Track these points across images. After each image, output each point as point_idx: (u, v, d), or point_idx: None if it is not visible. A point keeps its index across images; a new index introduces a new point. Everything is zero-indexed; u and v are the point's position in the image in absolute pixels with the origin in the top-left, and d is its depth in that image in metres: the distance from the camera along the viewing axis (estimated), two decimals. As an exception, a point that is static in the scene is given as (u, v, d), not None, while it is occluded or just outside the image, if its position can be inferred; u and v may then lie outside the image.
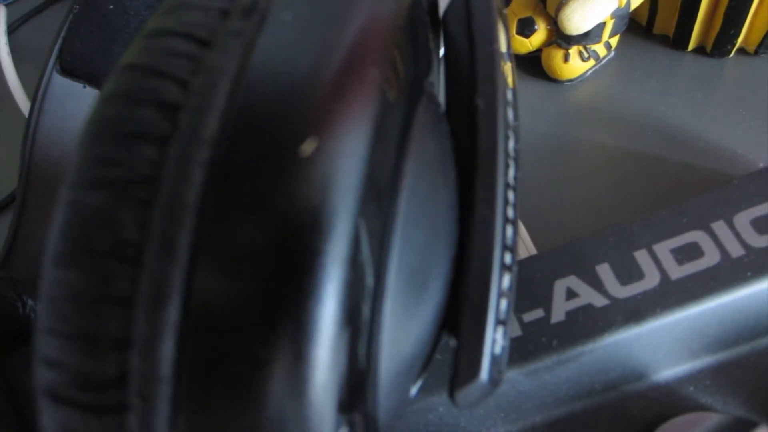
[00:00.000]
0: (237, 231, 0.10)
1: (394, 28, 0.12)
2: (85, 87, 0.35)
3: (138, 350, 0.10)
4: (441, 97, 0.18)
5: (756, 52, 0.31)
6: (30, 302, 0.28)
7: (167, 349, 0.10)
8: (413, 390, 0.17)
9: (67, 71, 0.35)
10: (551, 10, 0.32)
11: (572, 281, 0.22)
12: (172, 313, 0.10)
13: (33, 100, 0.35)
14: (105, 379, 0.11)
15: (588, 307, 0.21)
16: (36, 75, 0.35)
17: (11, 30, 0.49)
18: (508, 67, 0.17)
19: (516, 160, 0.16)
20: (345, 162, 0.10)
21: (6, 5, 0.51)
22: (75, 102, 0.36)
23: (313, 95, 0.11)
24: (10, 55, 0.46)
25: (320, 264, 0.10)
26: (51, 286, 0.11)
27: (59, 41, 0.34)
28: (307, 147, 0.10)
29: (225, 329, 0.10)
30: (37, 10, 0.51)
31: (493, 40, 0.16)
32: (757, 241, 0.21)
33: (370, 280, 0.13)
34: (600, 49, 0.32)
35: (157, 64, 0.12)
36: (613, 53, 0.33)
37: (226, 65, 0.11)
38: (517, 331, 0.21)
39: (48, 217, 0.36)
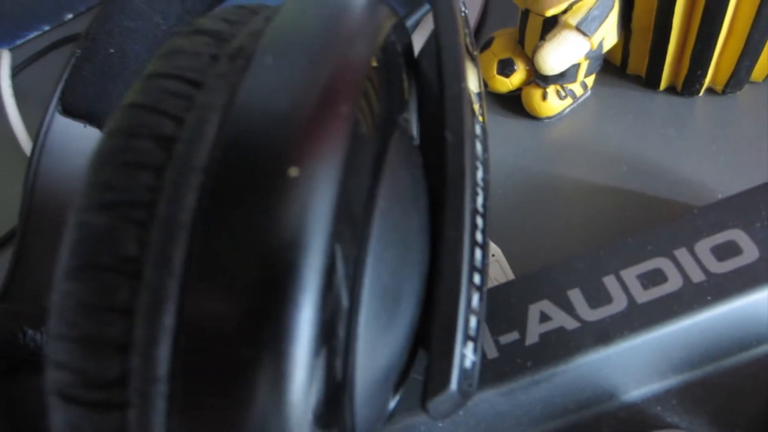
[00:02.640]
0: (225, 246, 0.12)
1: (365, 69, 0.13)
2: (85, 126, 0.37)
3: (137, 352, 0.12)
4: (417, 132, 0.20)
5: (723, 92, 0.33)
6: (30, 332, 0.29)
7: (163, 352, 0.12)
8: (391, 404, 0.18)
9: (69, 112, 0.36)
10: (529, 52, 0.33)
11: (545, 305, 0.23)
12: (168, 319, 0.12)
13: (35, 139, 0.36)
14: (107, 378, 0.12)
15: (560, 330, 0.22)
16: (38, 116, 0.36)
17: (15, 73, 0.51)
18: (476, 103, 0.18)
19: (485, 189, 0.17)
20: (320, 186, 0.12)
21: (9, 49, 0.53)
22: (75, 141, 0.37)
23: (291, 128, 0.12)
24: (14, 97, 0.48)
25: (298, 274, 0.11)
26: (60, 297, 0.12)
27: (62, 83, 0.36)
28: (287, 173, 0.12)
29: (214, 333, 0.11)
30: (39, 55, 0.52)
31: (461, 78, 0.17)
32: (717, 267, 0.22)
33: (345, 301, 0.14)
34: (576, 88, 0.34)
35: (154, 102, 0.13)
36: (589, 92, 0.35)
37: (215, 102, 0.13)
38: (493, 353, 0.22)
39: (48, 252, 0.37)
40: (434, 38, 0.18)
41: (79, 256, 0.12)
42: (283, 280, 0.11)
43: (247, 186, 0.12)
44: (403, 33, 0.18)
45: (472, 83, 0.18)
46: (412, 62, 0.19)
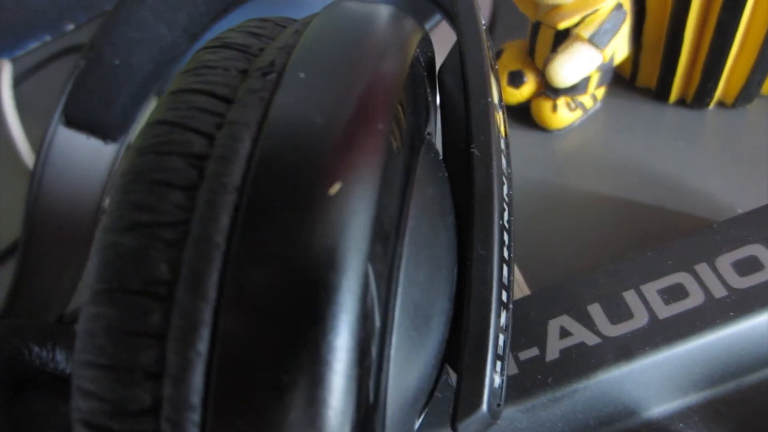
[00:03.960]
0: (259, 268, 0.11)
1: (397, 86, 0.13)
2: (88, 138, 0.36)
3: (169, 380, 0.11)
4: (438, 145, 0.20)
5: (734, 105, 0.33)
6: (35, 349, 0.29)
7: (196, 379, 0.11)
8: (417, 423, 0.18)
9: (72, 123, 0.36)
10: (539, 64, 0.33)
11: (565, 320, 0.23)
12: (202, 345, 0.11)
13: (38, 151, 0.35)
14: (137, 407, 0.11)
15: (581, 346, 0.22)
16: (39, 127, 0.36)
17: (15, 84, 0.50)
18: (499, 117, 0.18)
19: (509, 204, 0.17)
20: (357, 206, 0.11)
21: (10, 60, 0.53)
22: (78, 153, 0.37)
23: (326, 146, 0.12)
24: (15, 109, 0.47)
25: (336, 298, 0.11)
26: (88, 321, 0.12)
27: (65, 94, 0.36)
28: (323, 193, 0.11)
29: (249, 359, 0.11)
30: (40, 65, 0.52)
31: (487, 93, 0.17)
32: (739, 282, 0.22)
33: (378, 322, 0.14)
34: (586, 100, 0.34)
35: (183, 119, 0.13)
36: (599, 104, 0.35)
37: (247, 119, 0.13)
38: (513, 369, 0.22)
39: (51, 265, 0.37)
40: (458, 52, 0.18)
41: (108, 278, 0.12)
42: (320, 303, 0.11)
43: (282, 206, 0.11)
44: (428, 47, 0.18)
45: (495, 96, 0.18)
46: (434, 75, 0.19)
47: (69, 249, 0.36)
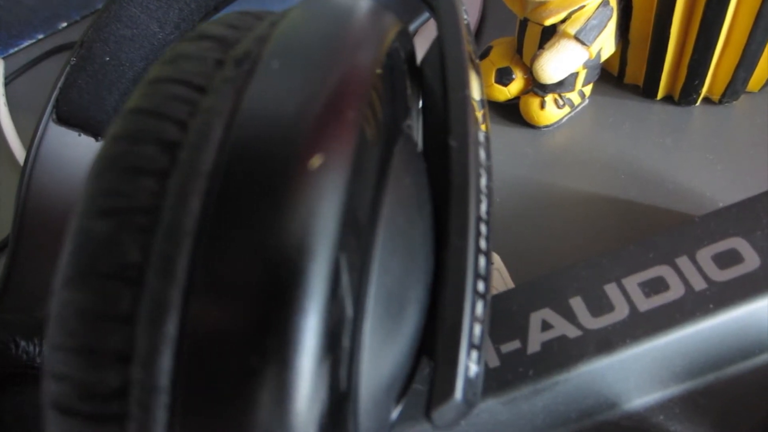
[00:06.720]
0: (229, 252, 0.11)
1: (371, 75, 0.13)
2: (80, 135, 0.36)
3: (138, 362, 0.11)
4: (420, 138, 0.20)
5: (720, 101, 0.33)
6: (22, 343, 0.29)
7: (166, 361, 0.11)
8: (394, 414, 0.18)
9: (63, 120, 0.36)
10: (527, 61, 0.33)
11: (547, 313, 0.23)
12: (170, 328, 0.11)
13: (29, 147, 0.36)
14: (107, 390, 0.12)
15: (562, 338, 0.22)
16: (31, 124, 0.36)
17: (7, 81, 0.50)
18: (481, 113, 0.18)
19: (488, 196, 0.17)
20: (326, 192, 0.12)
21: (2, 58, 0.53)
22: (70, 149, 0.37)
23: (296, 134, 0.12)
24: (7, 106, 0.47)
25: (305, 281, 0.11)
26: (59, 306, 0.12)
27: (56, 92, 0.36)
28: (293, 179, 0.12)
29: (218, 342, 0.11)
30: (33, 63, 0.52)
31: (465, 86, 0.17)
32: (718, 275, 0.22)
33: (349, 311, 0.14)
34: (574, 97, 0.34)
35: (158, 107, 0.13)
36: (587, 101, 0.35)
37: (220, 107, 0.13)
38: (495, 362, 0.22)
39: (41, 262, 0.37)
40: (438, 46, 0.18)
41: (80, 263, 0.12)
42: (289, 286, 0.11)
43: (253, 192, 0.12)
44: (407, 40, 0.18)
45: (475, 91, 0.18)
46: (415, 69, 0.19)
47: (59, 245, 0.36)
